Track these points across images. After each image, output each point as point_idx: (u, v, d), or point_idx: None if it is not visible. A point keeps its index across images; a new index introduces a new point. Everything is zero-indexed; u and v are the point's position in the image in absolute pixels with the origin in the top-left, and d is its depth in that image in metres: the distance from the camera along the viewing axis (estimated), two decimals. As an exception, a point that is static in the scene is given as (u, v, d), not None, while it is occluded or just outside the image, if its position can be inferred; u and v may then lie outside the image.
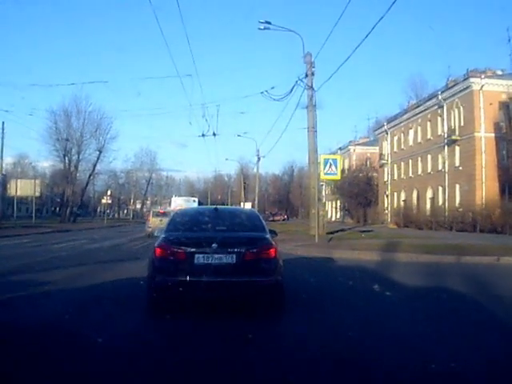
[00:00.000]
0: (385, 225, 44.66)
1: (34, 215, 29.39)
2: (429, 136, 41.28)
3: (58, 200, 56.12)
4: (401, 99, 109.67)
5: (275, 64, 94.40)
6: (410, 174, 44.81)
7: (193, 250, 5.81)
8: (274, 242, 6.23)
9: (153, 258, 6.01)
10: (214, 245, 5.79)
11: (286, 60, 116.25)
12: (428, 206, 40.91)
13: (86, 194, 68.92)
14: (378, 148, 58.00)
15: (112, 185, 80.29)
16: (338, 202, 68.29)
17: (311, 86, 21.82)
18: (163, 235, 6.24)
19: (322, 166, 16.02)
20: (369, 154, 62.23)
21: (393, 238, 19.95)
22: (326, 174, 16.10)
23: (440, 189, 38.97)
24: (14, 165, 73.69)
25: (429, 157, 41.14)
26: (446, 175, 37.63)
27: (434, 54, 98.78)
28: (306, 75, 21.96)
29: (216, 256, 5.78)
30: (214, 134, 21.89)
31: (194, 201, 47.60)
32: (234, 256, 5.80)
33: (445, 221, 34.43)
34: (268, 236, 6.33)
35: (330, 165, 15.84)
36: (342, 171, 65.66)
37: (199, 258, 5.77)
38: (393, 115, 51.03)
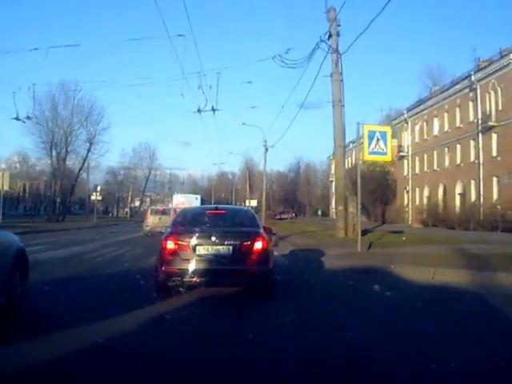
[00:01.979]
0: (407, 224, 39.99)
1: (0, 213, 24.77)
2: (458, 123, 36.56)
3: (58, 199, 51.76)
4: (416, 89, 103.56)
5: (290, 22, 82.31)
6: (435, 167, 40.06)
7: (195, 242, 6.63)
8: (266, 236, 6.92)
9: (160, 249, 6.79)
10: (213, 238, 6.65)
11: (303, 16, 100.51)
12: (457, 202, 36.22)
13: (81, 191, 65.08)
14: (394, 140, 53.49)
15: (110, 181, 77.09)
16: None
17: (336, 49, 17.28)
18: (169, 229, 7.18)
19: (365, 143, 11.40)
20: (384, 147, 57.55)
21: (450, 242, 15.36)
22: (371, 153, 11.39)
23: (472, 183, 34.26)
24: (20, 163, 69.83)
25: (458, 147, 36.43)
26: (481, 167, 32.91)
27: (452, 40, 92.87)
28: (330, 35, 17.39)
29: (215, 248, 6.63)
30: (214, 110, 17.44)
31: (197, 198, 45.43)
32: (231, 248, 6.60)
33: (483, 219, 29.72)
34: (261, 230, 7.06)
35: (378, 140, 11.19)
36: (353, 166, 61.60)
37: (201, 250, 6.62)
38: (413, 103, 46.29)
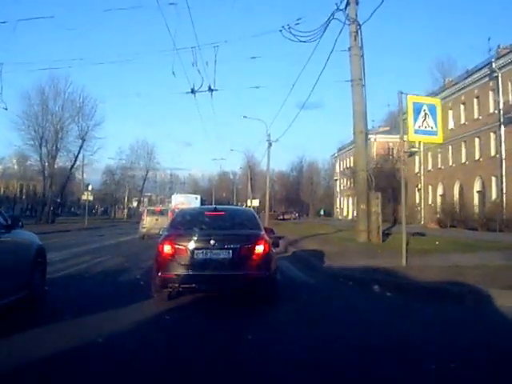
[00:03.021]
0: (419, 224, 37.29)
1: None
2: (476, 115, 33.92)
3: (59, 200, 49.21)
4: (424, 83, 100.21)
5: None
6: (451, 163, 37.39)
7: (193, 246, 6.36)
8: (267, 239, 6.61)
9: (156, 254, 6.54)
10: (212, 241, 6.33)
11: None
12: (476, 200, 33.54)
13: (80, 192, 62.51)
14: (404, 136, 50.84)
15: (107, 181, 74.78)
16: (355, 199, 61.04)
17: (355, 19, 14.63)
18: (166, 233, 6.88)
19: (410, 118, 8.75)
20: (391, 144, 54.89)
21: (498, 248, 12.71)
22: (417, 132, 8.66)
23: (493, 179, 31.57)
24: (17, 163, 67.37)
25: (476, 141, 33.77)
26: (503, 162, 30.23)
27: (463, 32, 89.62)
28: (348, 3, 14.74)
29: (214, 252, 6.32)
30: (211, 89, 14.66)
31: (196, 198, 43.73)
32: (231, 251, 6.30)
33: (506, 219, 27.00)
34: (262, 233, 6.77)
35: (425, 116, 8.52)
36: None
37: (199, 254, 6.34)
38: (424, 96, 43.52)
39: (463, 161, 35.62)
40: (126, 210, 74.41)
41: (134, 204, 78.99)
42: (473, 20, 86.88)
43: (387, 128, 60.86)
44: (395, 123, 65.14)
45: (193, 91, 14.48)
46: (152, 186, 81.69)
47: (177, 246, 6.37)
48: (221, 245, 6.31)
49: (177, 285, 6.29)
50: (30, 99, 40.99)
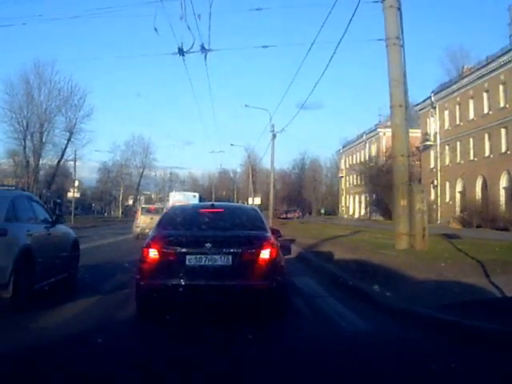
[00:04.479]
0: (436, 224, 34.01)
1: None
2: (502, 104, 30.67)
3: (58, 200, 46.27)
4: (436, 74, 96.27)
5: None
6: (472, 157, 34.14)
7: (184, 250, 5.45)
8: (275, 242, 5.75)
9: (140, 260, 5.62)
10: (208, 244, 5.42)
11: None
12: (502, 198, 30.30)
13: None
14: (412, 130, 47.74)
15: (102, 179, 72.13)
16: (363, 196, 57.86)
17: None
18: (152, 233, 5.95)
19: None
20: (401, 138, 51.73)
21: None
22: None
23: (523, 174, 28.39)
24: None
25: (503, 132, 30.52)
26: (536, 154, 27.06)
27: (477, 20, 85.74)
28: None
29: (210, 257, 5.39)
30: (204, 49, 11.28)
31: (195, 196, 42.21)
32: (230, 257, 5.39)
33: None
34: (268, 234, 5.87)
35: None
36: (370, 159, 55.72)
37: (191, 260, 5.41)
38: (440, 85, 40.30)
39: (487, 154, 32.39)
40: (120, 208, 70.97)
41: (130, 202, 75.91)
42: (488, 8, 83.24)
43: (396, 122, 57.79)
44: (406, 116, 62.38)
45: (181, 52, 11.18)
46: (151, 184, 79.77)
47: (164, 250, 5.46)
48: (218, 249, 5.42)
49: (164, 297, 5.38)
50: (12, 88, 37.81)
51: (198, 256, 5.38)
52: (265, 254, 5.43)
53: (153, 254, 5.46)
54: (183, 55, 11.46)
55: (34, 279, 6.06)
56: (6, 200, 6.13)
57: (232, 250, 5.39)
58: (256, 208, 7.40)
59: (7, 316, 5.32)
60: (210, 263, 5.36)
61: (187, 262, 5.35)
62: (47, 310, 5.66)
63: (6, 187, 7.62)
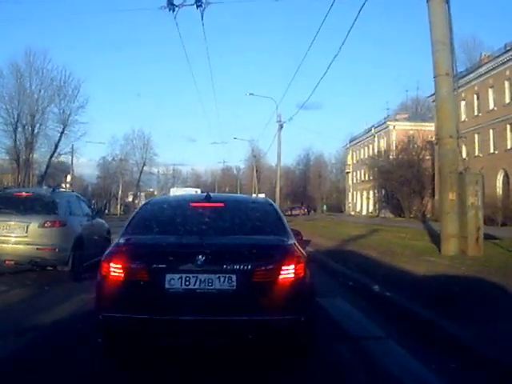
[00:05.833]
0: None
1: None
2: (527, 92, 28.52)
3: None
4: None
5: None
6: (492, 150, 32.01)
7: (163, 265, 3.60)
8: (302, 253, 3.85)
9: (98, 281, 3.82)
10: (200, 257, 3.57)
11: None
12: (526, 193, 28.18)
13: (76, 187, 57.68)
14: (424, 124, 45.70)
15: (101, 175, 70.45)
16: (371, 193, 55.65)
17: None
18: (116, 241, 4.10)
19: None
20: (412, 131, 49.56)
21: None
22: None
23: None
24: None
25: (527, 122, 28.37)
26: None
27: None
28: None
29: (203, 277, 3.54)
30: (199, 2, 9.21)
31: (196, 191, 40.23)
32: (234, 277, 3.55)
33: None
34: (292, 242, 3.96)
35: None
36: (379, 153, 53.44)
37: (174, 281, 3.55)
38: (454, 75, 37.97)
39: (509, 146, 30.25)
40: (119, 205, 69.06)
41: (130, 198, 74.13)
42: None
43: (406, 115, 55.66)
44: (418, 109, 60.02)
45: (171, 5, 8.98)
46: (153, 181, 78.43)
47: (133, 266, 3.62)
48: (216, 264, 3.55)
49: (134, 338, 3.64)
50: (2, 77, 35.75)
51: (185, 275, 3.55)
52: (288, 272, 3.63)
53: (115, 271, 3.67)
54: (173, 10, 9.23)
55: (84, 258, 8.18)
56: (65, 199, 8.51)
57: (237, 267, 3.59)
58: (272, 202, 5.15)
59: (69, 283, 7.46)
60: (203, 286, 3.54)
61: (167, 285, 3.55)
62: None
63: (62, 189, 9.90)
